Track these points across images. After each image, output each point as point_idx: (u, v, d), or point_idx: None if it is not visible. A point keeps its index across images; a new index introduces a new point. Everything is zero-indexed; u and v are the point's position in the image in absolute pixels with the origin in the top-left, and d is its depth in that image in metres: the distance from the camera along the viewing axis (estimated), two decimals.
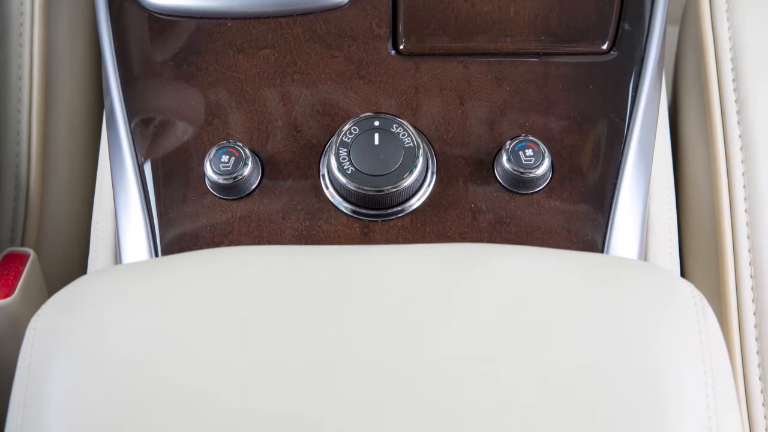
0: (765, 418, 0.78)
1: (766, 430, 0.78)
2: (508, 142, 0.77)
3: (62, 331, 0.60)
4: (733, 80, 0.86)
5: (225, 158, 0.77)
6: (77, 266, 0.96)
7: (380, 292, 0.61)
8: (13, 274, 0.85)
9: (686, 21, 0.97)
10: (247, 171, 0.77)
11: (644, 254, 0.80)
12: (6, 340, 0.83)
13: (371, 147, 0.76)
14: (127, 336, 0.59)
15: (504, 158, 0.77)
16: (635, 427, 0.55)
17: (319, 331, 0.59)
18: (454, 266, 0.62)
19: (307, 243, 0.76)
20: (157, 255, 0.77)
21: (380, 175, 0.75)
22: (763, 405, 0.78)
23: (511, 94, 0.80)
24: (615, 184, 0.78)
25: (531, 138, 0.77)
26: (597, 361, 0.57)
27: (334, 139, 0.77)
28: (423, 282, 0.61)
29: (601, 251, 0.76)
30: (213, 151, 0.77)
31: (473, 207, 0.77)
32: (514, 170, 0.76)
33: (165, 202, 0.78)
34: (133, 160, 0.80)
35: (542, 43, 0.82)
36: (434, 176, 0.78)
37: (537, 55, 0.82)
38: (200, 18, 0.83)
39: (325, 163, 0.78)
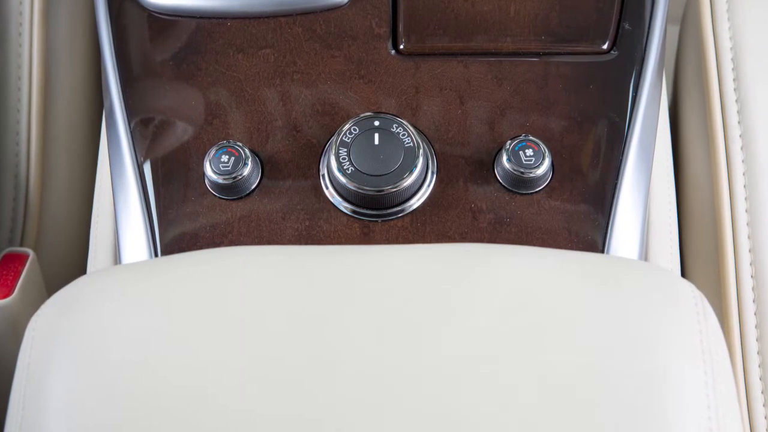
0: (766, 418, 0.78)
1: (766, 430, 0.78)
2: (509, 142, 0.77)
3: (62, 331, 0.60)
4: (734, 80, 0.86)
5: (225, 158, 0.77)
6: (77, 266, 0.96)
7: (380, 292, 0.61)
8: (13, 274, 0.85)
9: (687, 20, 0.97)
10: (246, 171, 0.77)
11: (645, 254, 0.79)
12: (5, 341, 0.83)
13: (371, 147, 0.76)
14: (126, 336, 0.59)
15: (504, 158, 0.77)
16: (635, 428, 0.55)
17: (319, 331, 0.59)
18: (454, 266, 0.62)
19: (307, 243, 0.76)
20: (156, 255, 0.77)
21: (380, 175, 0.75)
22: (763, 405, 0.78)
23: (512, 93, 0.80)
24: (615, 184, 0.78)
25: (531, 138, 0.77)
26: (597, 361, 0.57)
27: (334, 138, 0.77)
28: (423, 282, 0.61)
29: (602, 251, 0.76)
30: (213, 151, 0.77)
31: (473, 207, 0.77)
32: (515, 170, 0.76)
33: (165, 202, 0.78)
34: (132, 160, 0.80)
35: (542, 43, 0.82)
36: (434, 176, 0.78)
37: (537, 54, 0.82)
38: (200, 18, 0.83)
39: (325, 162, 0.78)
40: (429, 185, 0.78)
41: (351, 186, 0.75)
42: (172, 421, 0.56)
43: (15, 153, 0.93)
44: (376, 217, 0.77)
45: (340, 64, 0.82)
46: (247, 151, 0.77)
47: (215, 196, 0.78)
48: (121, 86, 0.82)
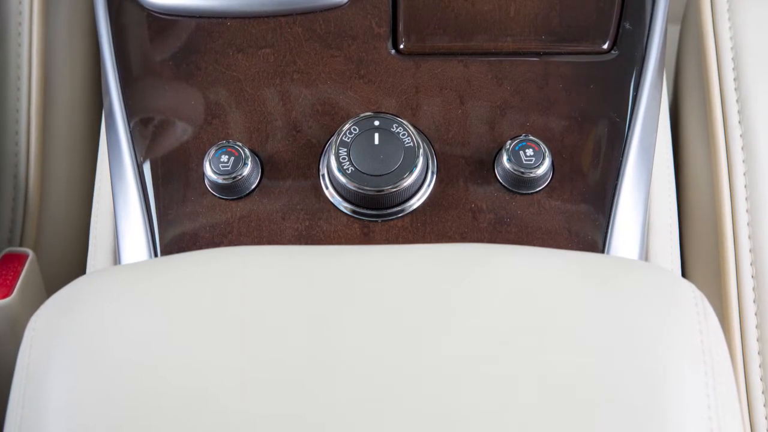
0: (766, 418, 0.78)
1: (767, 430, 0.78)
2: (509, 141, 0.77)
3: (61, 332, 0.60)
4: (734, 80, 0.85)
5: (224, 158, 0.77)
6: (76, 266, 0.96)
7: (380, 293, 0.61)
8: (12, 274, 0.85)
9: (687, 20, 0.97)
10: (246, 171, 0.76)
11: (645, 254, 0.79)
12: (5, 341, 0.83)
13: (371, 147, 0.76)
14: (126, 336, 0.59)
15: (504, 158, 0.76)
16: (636, 428, 0.55)
17: (319, 331, 0.59)
18: (455, 266, 0.62)
19: (306, 243, 0.76)
20: (156, 255, 0.77)
21: (380, 175, 0.75)
22: (764, 405, 0.78)
23: (512, 93, 0.80)
24: (616, 184, 0.78)
25: (531, 138, 0.77)
26: (597, 361, 0.57)
27: (333, 138, 0.77)
28: (423, 282, 0.61)
29: (602, 251, 0.76)
30: (212, 151, 0.77)
31: (473, 207, 0.77)
32: (515, 170, 0.76)
33: (164, 202, 0.78)
34: (132, 160, 0.80)
35: (543, 43, 0.82)
36: (434, 176, 0.78)
37: (537, 54, 0.82)
38: (199, 17, 0.83)
39: (325, 162, 0.78)
40: (429, 185, 0.77)
41: (351, 186, 0.75)
42: (171, 421, 0.56)
43: (14, 153, 0.93)
44: (376, 217, 0.77)
45: (340, 63, 0.81)
46: (246, 151, 0.77)
47: (215, 196, 0.78)
48: (121, 86, 0.82)
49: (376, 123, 0.76)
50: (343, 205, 0.77)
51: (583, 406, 0.56)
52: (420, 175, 0.76)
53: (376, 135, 0.76)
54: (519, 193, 0.77)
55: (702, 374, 0.58)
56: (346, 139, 0.76)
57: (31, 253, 0.87)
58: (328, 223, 0.77)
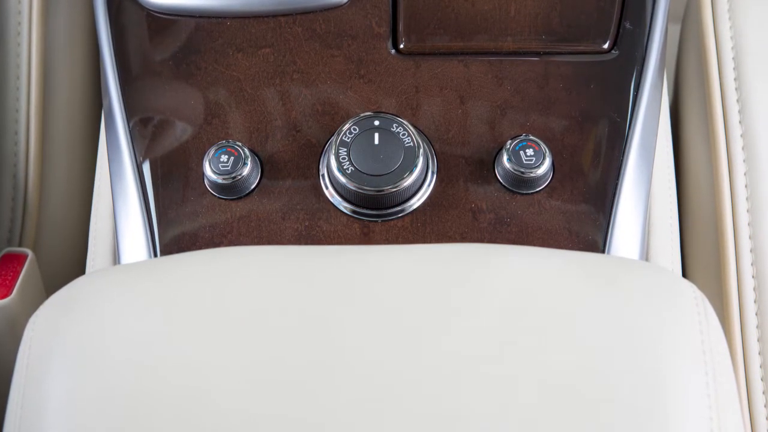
0: (767, 418, 0.78)
1: None
2: (509, 141, 0.77)
3: (61, 332, 0.60)
4: (735, 79, 0.85)
5: (224, 158, 0.77)
6: (76, 266, 0.96)
7: (380, 293, 0.61)
8: (12, 274, 0.85)
9: (688, 20, 0.97)
10: (246, 171, 0.76)
11: (645, 254, 0.79)
12: (4, 341, 0.83)
13: (371, 147, 0.76)
14: (126, 336, 0.59)
15: (504, 158, 0.76)
16: (637, 428, 0.55)
17: (319, 331, 0.59)
18: (455, 267, 0.62)
19: (306, 243, 0.76)
20: (156, 255, 0.77)
21: (380, 175, 0.75)
22: (765, 405, 0.78)
23: (512, 93, 0.80)
24: (616, 184, 0.78)
25: (532, 137, 0.77)
26: (598, 361, 0.57)
27: (333, 138, 0.76)
28: (423, 282, 0.61)
29: (603, 251, 0.76)
30: (212, 151, 0.77)
31: (474, 207, 0.77)
32: (515, 170, 0.76)
33: (164, 202, 0.78)
34: (131, 160, 0.80)
35: (543, 43, 0.82)
36: (434, 176, 0.78)
37: (538, 54, 0.82)
38: (199, 17, 0.83)
39: (325, 162, 0.78)
40: (429, 185, 0.77)
41: (351, 186, 0.75)
42: (171, 421, 0.56)
43: (14, 153, 0.93)
44: (376, 217, 0.77)
45: (340, 63, 0.81)
46: (246, 150, 0.77)
47: (215, 196, 0.78)
48: (120, 86, 0.82)
49: (376, 123, 0.76)
50: (343, 205, 0.77)
51: (583, 406, 0.56)
52: (420, 175, 0.76)
53: (376, 135, 0.76)
54: (519, 193, 0.77)
55: (702, 374, 0.58)
56: (346, 139, 0.76)
57: (30, 253, 0.87)
58: (328, 223, 0.77)
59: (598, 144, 0.79)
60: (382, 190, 0.75)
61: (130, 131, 0.81)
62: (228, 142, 0.77)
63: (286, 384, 0.57)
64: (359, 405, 0.56)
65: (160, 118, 0.81)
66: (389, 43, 0.82)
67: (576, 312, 0.59)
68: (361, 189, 0.75)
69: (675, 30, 1.00)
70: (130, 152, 0.80)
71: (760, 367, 0.79)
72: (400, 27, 0.82)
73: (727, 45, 0.87)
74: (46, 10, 0.95)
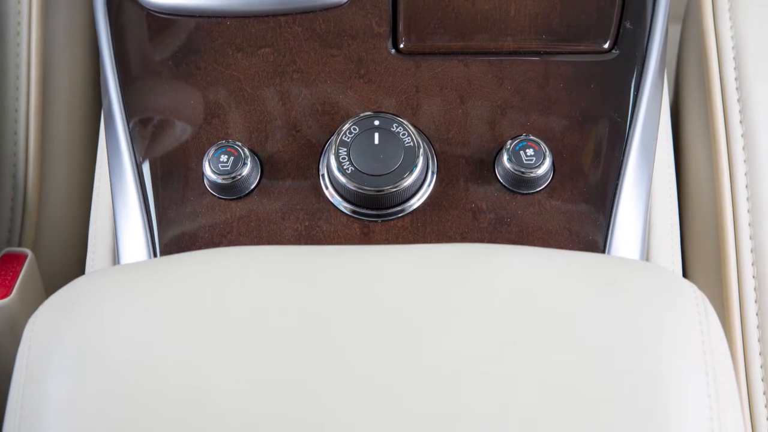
0: (767, 419, 0.78)
1: None
2: (509, 141, 0.77)
3: (60, 332, 0.60)
4: (736, 79, 0.85)
5: (224, 158, 0.76)
6: (75, 266, 0.96)
7: (380, 293, 0.60)
8: (11, 274, 0.84)
9: (688, 19, 0.97)
10: (246, 171, 0.76)
11: (646, 254, 0.79)
12: (3, 341, 0.83)
13: (371, 146, 0.76)
14: (125, 336, 0.59)
15: (505, 158, 0.76)
16: (637, 428, 0.55)
17: (319, 331, 0.59)
18: (455, 267, 0.62)
19: (306, 243, 0.76)
20: (155, 255, 0.77)
21: (380, 175, 0.75)
22: (765, 406, 0.78)
23: (512, 93, 0.80)
24: (616, 184, 0.78)
25: (532, 137, 0.77)
26: (598, 361, 0.57)
27: (333, 138, 0.76)
28: (423, 282, 0.61)
29: (603, 251, 0.76)
30: (212, 151, 0.77)
31: (474, 207, 0.77)
32: (515, 170, 0.76)
33: (163, 202, 0.78)
34: (131, 160, 0.80)
35: (543, 42, 0.82)
36: (434, 176, 0.78)
37: (538, 54, 0.82)
38: (199, 17, 0.83)
39: (325, 162, 0.78)
40: (429, 185, 0.77)
41: (351, 186, 0.75)
42: (171, 421, 0.56)
43: (13, 153, 0.93)
44: (376, 217, 0.77)
45: (339, 63, 0.81)
46: (246, 150, 0.77)
47: (214, 196, 0.78)
48: (120, 86, 0.82)
49: (376, 123, 0.76)
50: (343, 205, 0.77)
51: (583, 406, 0.56)
52: (420, 175, 0.76)
53: (376, 135, 0.76)
54: (519, 193, 0.77)
55: (703, 374, 0.58)
56: (346, 139, 0.76)
57: (30, 253, 0.87)
58: (328, 223, 0.77)
59: (599, 144, 0.79)
60: (382, 190, 0.75)
61: (129, 131, 0.80)
62: (228, 142, 0.77)
63: (286, 384, 0.57)
64: (359, 405, 0.56)
65: (159, 118, 0.81)
66: (389, 43, 0.82)
67: (576, 312, 0.59)
68: (361, 189, 0.75)
69: (675, 30, 1.00)
70: (129, 152, 0.80)
71: (761, 367, 0.78)
72: (400, 27, 0.82)
73: (727, 45, 0.87)
74: (46, 10, 0.95)
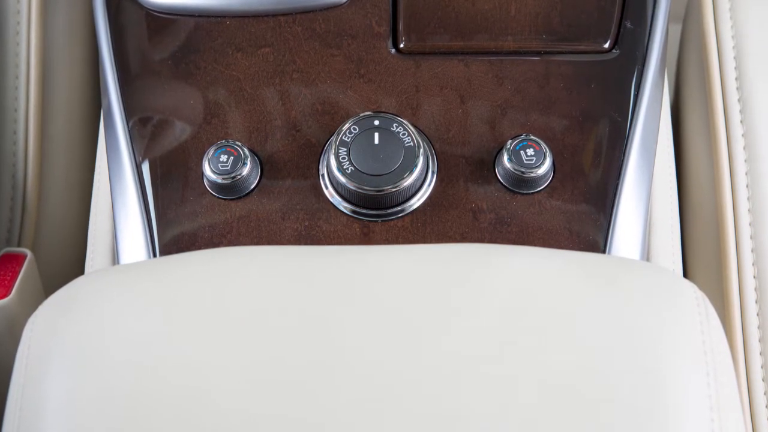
0: None
1: None
2: (509, 141, 0.77)
3: (60, 332, 0.60)
4: (736, 79, 0.85)
5: (223, 158, 0.76)
6: (75, 266, 0.96)
7: (380, 293, 0.60)
8: (10, 274, 0.84)
9: (689, 19, 0.97)
10: (245, 171, 0.76)
11: (646, 254, 0.79)
12: (3, 341, 0.83)
13: (371, 146, 0.75)
14: (125, 337, 0.59)
15: (505, 158, 0.76)
16: (637, 428, 0.55)
17: (319, 331, 0.58)
18: (455, 267, 0.62)
19: (306, 243, 0.76)
20: (155, 255, 0.77)
21: (380, 175, 0.75)
22: (766, 406, 0.78)
23: (512, 93, 0.80)
24: (617, 184, 0.78)
25: (532, 137, 0.77)
26: (598, 361, 0.57)
27: (333, 138, 0.76)
28: (423, 282, 0.61)
29: (603, 251, 0.76)
30: (211, 151, 0.77)
31: (474, 207, 0.77)
32: (515, 170, 0.76)
33: (163, 201, 0.78)
34: (131, 160, 0.79)
35: (543, 42, 0.82)
36: (435, 176, 0.78)
37: (538, 53, 0.82)
38: (198, 16, 0.83)
39: (325, 162, 0.77)
40: (429, 185, 0.77)
41: (351, 186, 0.75)
42: (171, 421, 0.56)
43: (12, 152, 0.93)
44: (376, 217, 0.77)
45: (339, 63, 0.81)
46: (246, 150, 0.77)
47: (214, 195, 0.78)
48: (120, 85, 0.82)
49: (376, 122, 0.76)
50: (343, 205, 0.77)
51: (583, 406, 0.56)
52: (420, 174, 0.76)
53: (376, 134, 0.76)
54: (520, 193, 0.77)
55: (703, 374, 0.58)
56: (345, 139, 0.76)
57: (29, 253, 0.87)
58: (328, 223, 0.76)
59: (599, 144, 0.79)
60: (382, 190, 0.75)
61: (129, 131, 0.80)
62: (227, 141, 0.77)
63: (286, 384, 0.57)
64: (359, 405, 0.56)
65: (159, 117, 0.81)
66: (389, 43, 0.82)
67: (576, 312, 0.59)
68: (361, 189, 0.75)
69: (676, 30, 1.00)
70: (129, 152, 0.80)
71: (762, 367, 0.78)
72: (400, 26, 0.82)
73: (728, 44, 0.87)
74: (45, 10, 0.95)
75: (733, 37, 0.87)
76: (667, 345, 0.58)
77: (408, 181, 0.75)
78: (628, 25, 0.83)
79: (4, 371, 0.78)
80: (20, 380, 0.59)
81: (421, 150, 0.76)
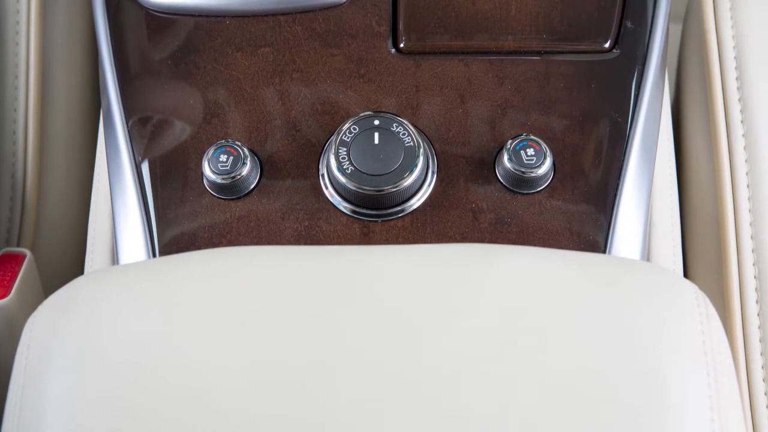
0: None
1: None
2: (510, 141, 0.77)
3: (59, 332, 0.60)
4: (737, 79, 0.85)
5: (223, 158, 0.76)
6: (74, 266, 0.96)
7: (381, 293, 0.60)
8: (10, 274, 0.84)
9: (689, 19, 0.97)
10: (245, 170, 0.76)
11: (647, 254, 0.79)
12: (2, 341, 0.83)
13: (371, 146, 0.75)
14: (124, 337, 0.59)
15: (505, 158, 0.76)
16: (637, 428, 0.55)
17: (319, 331, 0.58)
18: (455, 267, 0.62)
19: (306, 243, 0.76)
20: (154, 255, 0.77)
21: (380, 175, 0.75)
22: (767, 406, 0.78)
23: (513, 92, 0.80)
24: (617, 184, 0.78)
25: (532, 137, 0.77)
26: (598, 361, 0.57)
27: (333, 138, 0.76)
28: (423, 282, 0.61)
29: (604, 251, 0.76)
30: (211, 151, 0.77)
31: (474, 207, 0.77)
32: (516, 170, 0.76)
33: (163, 201, 0.78)
34: (130, 160, 0.79)
35: (544, 42, 0.82)
36: (435, 176, 0.78)
37: (538, 53, 0.82)
38: (198, 16, 0.83)
39: (325, 162, 0.77)
40: (429, 185, 0.77)
41: (351, 186, 0.75)
42: (171, 421, 0.56)
43: (12, 152, 0.93)
44: (376, 217, 0.76)
45: (339, 62, 0.81)
46: (245, 150, 0.77)
47: (214, 195, 0.77)
48: (119, 85, 0.82)
49: (376, 122, 0.76)
50: (343, 205, 0.77)
51: (583, 406, 0.56)
52: (420, 174, 0.76)
53: (376, 134, 0.76)
54: (520, 193, 0.77)
55: (704, 374, 0.58)
56: (345, 139, 0.76)
57: (28, 253, 0.87)
58: (328, 223, 0.76)
59: (599, 144, 0.79)
60: (382, 190, 0.75)
61: (128, 131, 0.80)
62: (227, 141, 0.77)
63: (286, 384, 0.57)
64: (359, 405, 0.56)
65: (159, 117, 0.80)
66: (389, 43, 0.82)
67: (576, 312, 0.59)
68: (361, 189, 0.75)
69: (676, 29, 1.00)
70: (128, 152, 0.80)
71: (762, 367, 0.78)
72: (400, 26, 0.82)
73: (728, 44, 0.87)
74: (44, 9, 0.95)
75: (733, 36, 0.87)
76: (668, 345, 0.58)
77: (408, 181, 0.75)
78: (629, 24, 0.83)
79: (3, 371, 0.78)
80: (20, 380, 0.59)
81: (421, 150, 0.75)
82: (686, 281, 0.62)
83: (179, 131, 0.80)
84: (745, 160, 0.83)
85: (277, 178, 0.78)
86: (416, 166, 0.75)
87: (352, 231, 0.76)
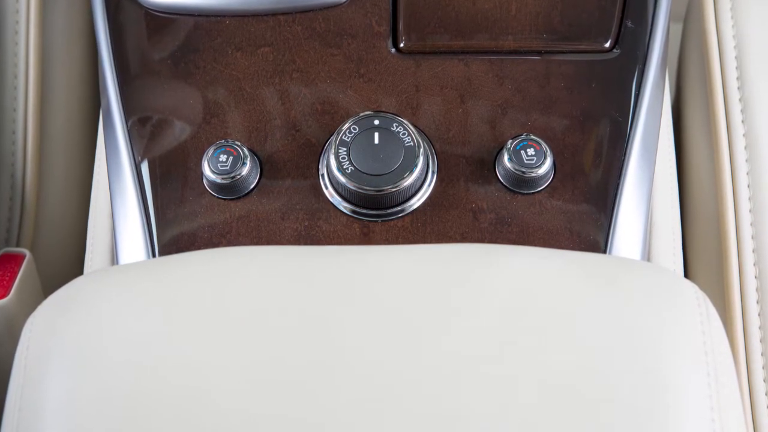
0: None
1: None
2: (510, 141, 0.77)
3: (59, 332, 0.60)
4: (737, 78, 0.85)
5: (223, 157, 0.76)
6: (74, 267, 0.96)
7: (381, 293, 0.60)
8: (9, 274, 0.84)
9: (690, 18, 0.97)
10: (245, 170, 0.76)
11: (647, 254, 0.79)
12: (2, 342, 0.83)
13: (371, 146, 0.75)
14: (124, 337, 0.59)
15: (505, 157, 0.76)
16: (637, 428, 0.55)
17: (319, 331, 0.58)
18: (455, 267, 0.62)
19: (306, 243, 0.76)
20: (154, 255, 0.77)
21: (380, 175, 0.75)
22: (767, 406, 0.78)
23: (513, 92, 0.80)
24: (618, 184, 0.78)
25: (533, 137, 0.77)
26: (599, 361, 0.57)
27: (333, 138, 0.76)
28: (423, 283, 0.61)
29: (604, 251, 0.76)
30: (211, 151, 0.77)
31: (474, 207, 0.77)
32: (516, 170, 0.76)
33: (162, 201, 0.78)
34: (130, 160, 0.79)
35: (544, 41, 0.82)
36: (435, 176, 0.77)
37: (539, 53, 0.82)
38: (198, 15, 0.83)
39: (325, 162, 0.77)
40: (429, 185, 0.77)
41: (351, 186, 0.75)
42: (171, 421, 0.56)
43: (11, 152, 0.93)
44: (376, 217, 0.76)
45: (339, 62, 0.81)
46: (245, 150, 0.77)
47: (213, 195, 0.77)
48: (119, 85, 0.82)
49: (376, 122, 0.76)
50: (343, 205, 0.77)
51: (583, 406, 0.56)
52: (420, 174, 0.75)
53: (376, 134, 0.76)
54: (520, 193, 0.77)
55: (704, 375, 0.58)
56: (345, 139, 0.75)
57: (28, 253, 0.87)
58: (328, 223, 0.76)
59: (600, 143, 0.79)
60: (382, 190, 0.75)
61: (128, 131, 0.80)
62: (227, 141, 0.77)
63: (286, 384, 0.56)
64: (359, 405, 0.56)
65: (158, 117, 0.80)
66: (389, 42, 0.82)
67: (576, 312, 0.59)
68: (361, 189, 0.75)
69: (677, 29, 1.00)
70: (128, 152, 0.80)
71: (763, 367, 0.78)
72: (400, 26, 0.82)
73: (729, 44, 0.87)
74: (44, 9, 0.95)
75: (734, 36, 0.87)
76: (668, 345, 0.58)
77: (408, 181, 0.75)
78: (629, 24, 0.83)
79: (3, 371, 0.78)
80: (19, 380, 0.59)
81: (421, 150, 0.75)
82: (687, 281, 0.62)
83: (179, 131, 0.80)
84: (746, 160, 0.83)
85: (276, 178, 0.78)
86: (416, 166, 0.75)
87: (352, 231, 0.76)
